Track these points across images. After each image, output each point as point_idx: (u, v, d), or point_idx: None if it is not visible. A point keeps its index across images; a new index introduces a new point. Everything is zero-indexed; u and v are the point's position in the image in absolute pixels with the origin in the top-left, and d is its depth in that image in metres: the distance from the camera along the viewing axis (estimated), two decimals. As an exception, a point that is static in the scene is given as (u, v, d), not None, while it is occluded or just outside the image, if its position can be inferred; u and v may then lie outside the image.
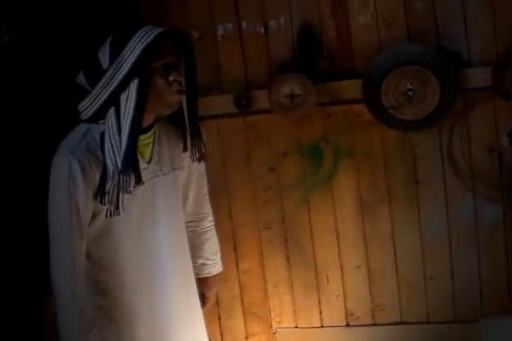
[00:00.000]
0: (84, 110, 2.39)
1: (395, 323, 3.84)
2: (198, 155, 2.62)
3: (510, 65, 3.39)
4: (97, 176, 2.35)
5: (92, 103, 2.36)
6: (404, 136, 3.67)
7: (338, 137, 3.75)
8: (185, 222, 2.77)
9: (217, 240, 2.97)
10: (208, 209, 2.92)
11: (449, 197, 3.67)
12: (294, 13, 3.69)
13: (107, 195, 2.36)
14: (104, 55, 2.34)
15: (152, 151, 2.52)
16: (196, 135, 2.58)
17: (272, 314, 4.00)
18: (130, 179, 2.34)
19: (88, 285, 2.45)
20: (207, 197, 2.90)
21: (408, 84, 3.49)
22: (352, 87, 3.62)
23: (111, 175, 2.32)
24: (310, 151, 3.80)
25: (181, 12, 3.81)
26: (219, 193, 3.71)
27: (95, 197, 2.36)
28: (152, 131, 2.50)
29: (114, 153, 2.31)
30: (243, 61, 3.81)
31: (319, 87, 3.64)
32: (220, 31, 3.80)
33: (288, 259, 3.92)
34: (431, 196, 3.69)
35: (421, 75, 3.46)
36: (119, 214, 2.39)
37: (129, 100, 2.28)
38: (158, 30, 2.28)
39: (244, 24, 3.76)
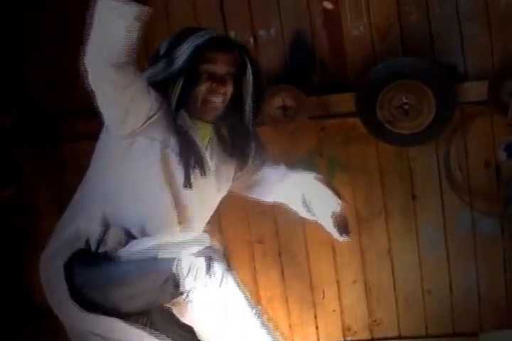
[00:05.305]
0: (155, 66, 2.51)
1: (393, 338, 3.80)
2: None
3: (506, 78, 3.34)
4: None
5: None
6: (401, 150, 3.61)
7: (333, 150, 3.69)
8: None
9: None
10: None
11: (446, 212, 3.63)
12: (285, 24, 3.61)
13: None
14: (162, 48, 2.52)
15: (206, 147, 2.61)
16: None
17: (267, 330, 3.91)
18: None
19: None
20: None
21: (404, 98, 3.44)
22: (346, 100, 3.55)
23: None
24: (304, 165, 3.70)
25: (165, 20, 3.70)
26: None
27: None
28: (210, 128, 2.62)
29: None
30: (232, 71, 3.70)
31: (312, 100, 3.57)
32: (207, 40, 3.69)
33: (282, 274, 3.85)
34: (428, 210, 3.65)
35: (416, 89, 3.42)
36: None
37: (174, 96, 2.45)
38: (212, 34, 2.46)
39: (231, 33, 3.66)
